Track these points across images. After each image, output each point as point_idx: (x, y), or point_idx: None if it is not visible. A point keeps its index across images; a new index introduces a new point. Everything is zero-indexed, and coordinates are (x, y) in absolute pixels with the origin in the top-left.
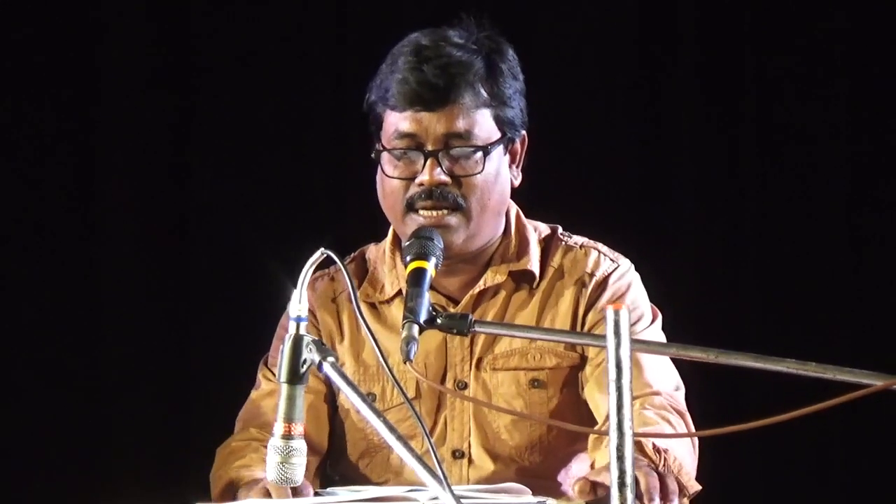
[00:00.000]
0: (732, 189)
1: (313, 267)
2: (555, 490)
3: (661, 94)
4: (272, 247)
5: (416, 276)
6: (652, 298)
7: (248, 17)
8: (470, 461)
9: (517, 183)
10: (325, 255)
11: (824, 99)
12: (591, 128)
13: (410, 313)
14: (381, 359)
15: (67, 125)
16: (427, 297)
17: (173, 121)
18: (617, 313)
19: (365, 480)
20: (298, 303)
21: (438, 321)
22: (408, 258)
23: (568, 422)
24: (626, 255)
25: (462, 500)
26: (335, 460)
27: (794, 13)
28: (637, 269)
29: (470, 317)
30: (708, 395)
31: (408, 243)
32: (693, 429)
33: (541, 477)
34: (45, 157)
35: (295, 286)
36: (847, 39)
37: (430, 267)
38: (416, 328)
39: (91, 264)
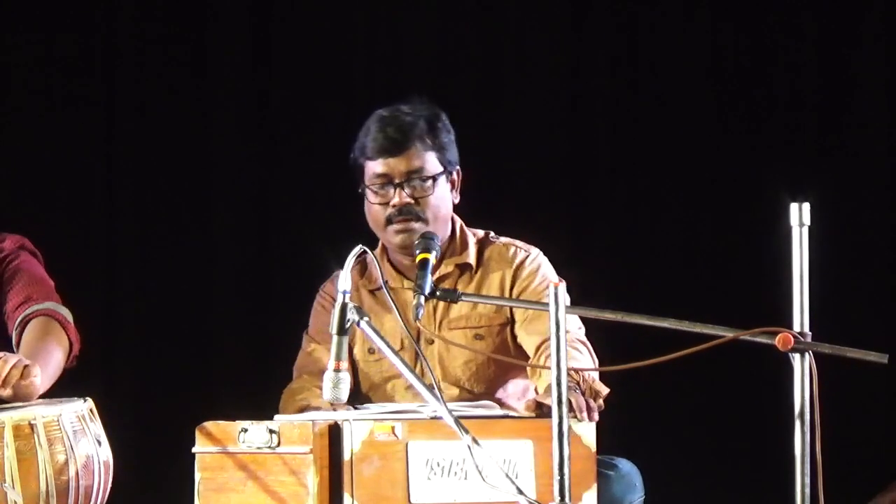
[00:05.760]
0: (626, 198)
1: (354, 257)
2: (499, 404)
3: (575, 137)
4: (331, 242)
5: (423, 264)
6: (576, 276)
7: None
8: (437, 390)
9: (457, 201)
10: (362, 249)
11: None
12: (544, 160)
13: (419, 288)
14: (399, 318)
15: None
16: (430, 278)
17: (265, 161)
18: (556, 289)
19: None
20: (344, 280)
21: (437, 293)
22: (417, 251)
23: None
24: (557, 245)
25: (452, 412)
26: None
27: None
28: (567, 258)
29: (458, 290)
30: (611, 341)
31: (416, 241)
32: (592, 352)
33: (485, 398)
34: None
35: (341, 268)
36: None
37: (431, 257)
38: (422, 298)
39: (207, 249)
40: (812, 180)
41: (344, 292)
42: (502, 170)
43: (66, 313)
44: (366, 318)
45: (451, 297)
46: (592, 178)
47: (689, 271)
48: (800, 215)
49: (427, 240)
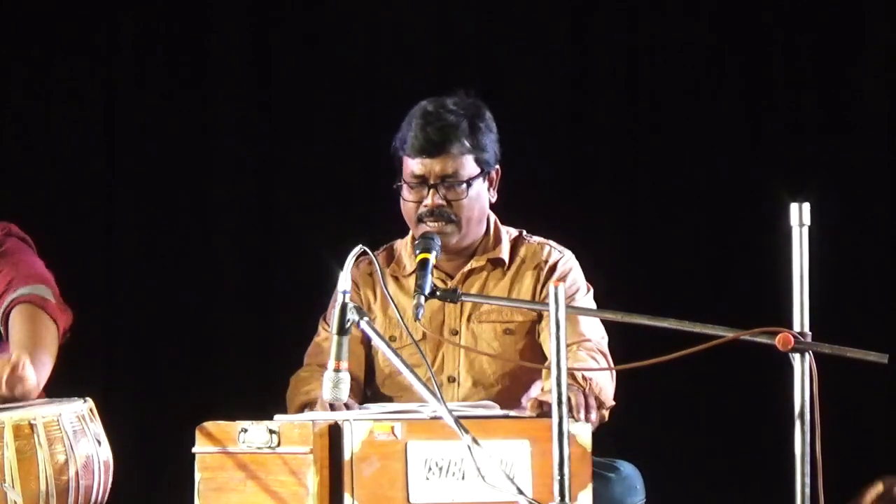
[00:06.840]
0: (633, 203)
1: (354, 257)
2: (519, 408)
3: (576, 138)
4: (332, 242)
5: (423, 264)
6: (587, 278)
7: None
8: (459, 384)
9: (493, 200)
10: (362, 249)
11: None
12: (545, 161)
13: (419, 289)
14: (397, 315)
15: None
16: (430, 278)
17: (266, 161)
18: (556, 289)
19: (385, 397)
20: (344, 281)
21: (437, 293)
22: (417, 252)
23: (528, 357)
24: (571, 249)
25: (452, 412)
26: (370, 381)
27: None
28: (578, 259)
29: (458, 290)
30: (612, 342)
31: (416, 242)
32: (612, 363)
33: (510, 397)
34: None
35: (341, 268)
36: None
37: (431, 257)
38: (422, 298)
39: (207, 249)
40: (812, 180)
41: (344, 292)
42: (503, 171)
43: (45, 292)
44: (365, 318)
45: (451, 297)
46: (593, 179)
47: (689, 271)
48: (800, 215)
49: (427, 240)
